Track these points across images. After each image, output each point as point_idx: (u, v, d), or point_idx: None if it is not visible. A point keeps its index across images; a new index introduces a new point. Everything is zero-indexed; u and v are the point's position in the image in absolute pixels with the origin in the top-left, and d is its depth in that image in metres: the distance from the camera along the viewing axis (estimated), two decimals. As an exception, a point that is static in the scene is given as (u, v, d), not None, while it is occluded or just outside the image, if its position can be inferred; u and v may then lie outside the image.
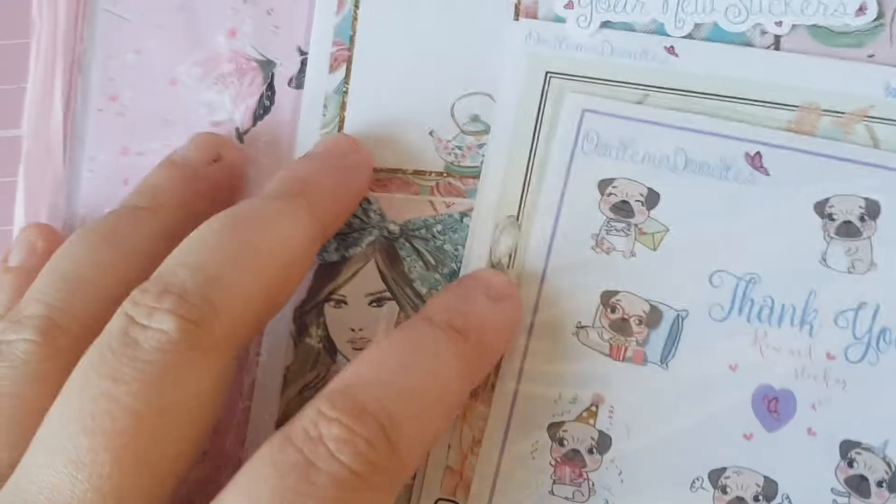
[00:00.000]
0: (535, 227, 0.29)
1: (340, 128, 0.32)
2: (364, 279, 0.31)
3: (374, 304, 0.31)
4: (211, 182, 0.30)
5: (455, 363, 0.23)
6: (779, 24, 0.29)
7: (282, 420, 0.31)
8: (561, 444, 0.27)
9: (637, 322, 0.28)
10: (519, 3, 0.31)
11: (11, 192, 0.34)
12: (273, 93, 0.34)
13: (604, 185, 0.29)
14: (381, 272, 0.31)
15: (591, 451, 0.27)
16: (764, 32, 0.29)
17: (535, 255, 0.29)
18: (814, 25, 0.29)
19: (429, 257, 0.31)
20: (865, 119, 0.28)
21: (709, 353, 0.27)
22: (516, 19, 0.31)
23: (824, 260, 0.27)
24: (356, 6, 0.33)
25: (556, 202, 0.29)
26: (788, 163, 0.28)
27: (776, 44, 0.29)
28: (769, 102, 0.29)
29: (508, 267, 0.29)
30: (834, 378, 0.26)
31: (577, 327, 0.28)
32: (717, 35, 0.30)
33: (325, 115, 0.32)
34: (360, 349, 0.30)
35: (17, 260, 0.29)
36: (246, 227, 0.24)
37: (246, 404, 0.31)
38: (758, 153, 0.28)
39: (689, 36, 0.30)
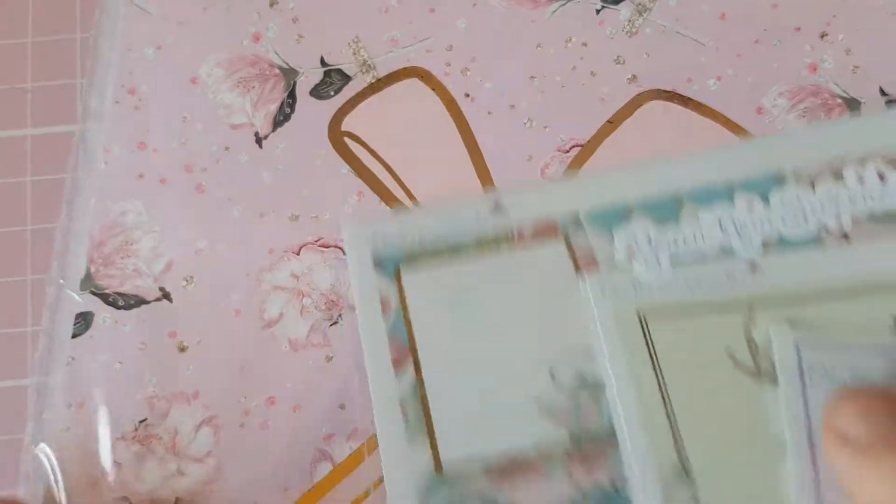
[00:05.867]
0: (786, 473, 0.27)
1: (430, 429, 0.29)
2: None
3: None
4: None
5: None
6: (838, 221, 0.29)
7: None
8: None
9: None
10: (576, 259, 0.30)
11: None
12: (294, 101, 0.34)
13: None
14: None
15: None
16: (829, 232, 0.30)
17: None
18: (870, 214, 0.30)
19: (603, 537, 0.27)
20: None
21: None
22: (577, 272, 0.30)
23: None
24: (403, 304, 0.31)
25: (806, 457, 0.27)
26: None
27: (846, 238, 0.29)
28: (876, 288, 0.29)
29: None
30: None
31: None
32: (787, 244, 0.30)
33: (407, 422, 0.29)
34: None
35: None
36: None
37: None
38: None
39: (762, 251, 0.29)
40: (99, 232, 0.33)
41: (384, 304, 0.31)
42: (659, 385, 0.28)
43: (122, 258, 0.33)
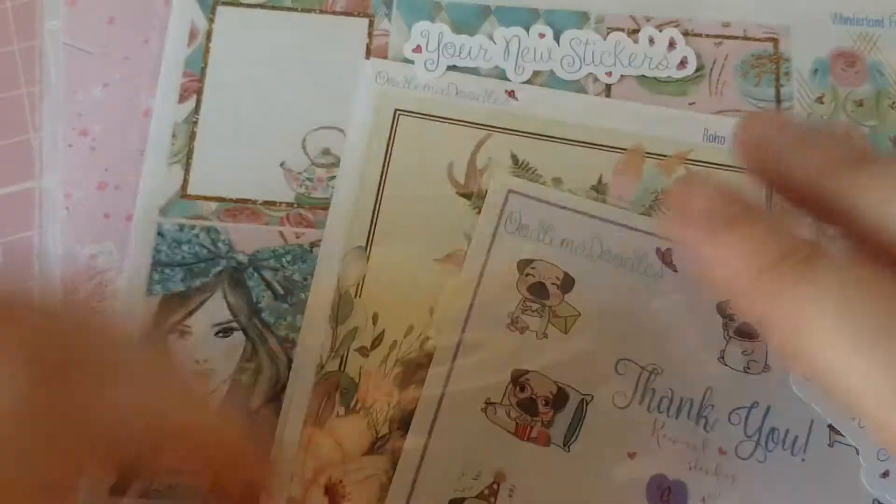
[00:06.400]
0: (454, 303, 0.29)
1: (189, 157, 0.32)
2: (210, 309, 0.31)
3: (221, 334, 0.30)
4: None
5: None
6: (609, 74, 0.31)
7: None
8: (460, 520, 0.27)
9: (544, 403, 0.28)
10: (370, 43, 0.32)
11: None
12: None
13: (523, 265, 0.29)
14: (227, 302, 0.31)
15: (488, 529, 0.27)
16: (596, 80, 0.31)
17: (451, 328, 0.29)
18: (641, 76, 0.31)
19: (277, 287, 0.31)
20: (686, 162, 0.30)
21: (609, 440, 0.28)
22: (367, 58, 0.32)
23: (723, 358, 0.28)
24: (208, 39, 0.33)
25: (475, 279, 0.29)
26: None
27: (607, 91, 0.31)
28: (601, 146, 0.30)
29: (356, 296, 0.30)
30: (724, 473, 0.27)
31: (487, 403, 0.28)
32: (554, 82, 0.32)
33: (173, 145, 0.32)
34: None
35: None
36: None
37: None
38: (668, 249, 0.29)
39: (529, 82, 0.31)
40: (72, 279, 0.32)
41: (192, 36, 0.33)
42: (382, 173, 0.31)
43: (98, 301, 0.31)
